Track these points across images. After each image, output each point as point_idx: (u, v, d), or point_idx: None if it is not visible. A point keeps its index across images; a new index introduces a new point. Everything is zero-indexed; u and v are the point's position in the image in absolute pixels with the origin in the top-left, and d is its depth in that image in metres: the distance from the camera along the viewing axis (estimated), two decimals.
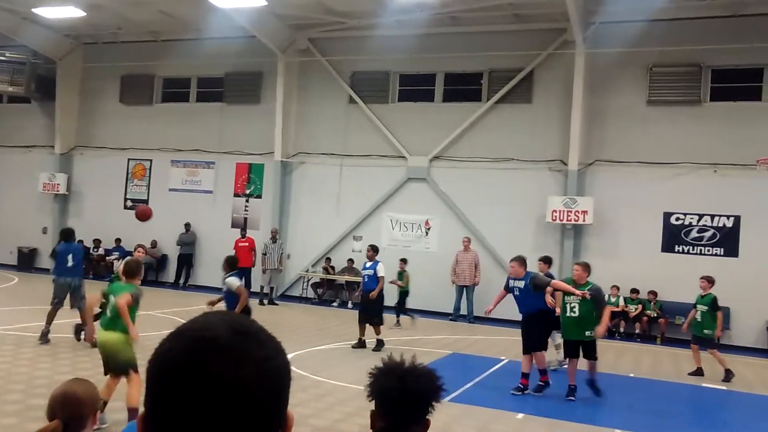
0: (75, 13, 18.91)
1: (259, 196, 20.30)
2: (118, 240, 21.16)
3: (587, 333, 9.46)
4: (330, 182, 19.40)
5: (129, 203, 21.84)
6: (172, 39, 20.92)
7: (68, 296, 10.93)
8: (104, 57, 22.16)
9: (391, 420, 2.37)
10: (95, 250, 21.53)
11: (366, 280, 12.64)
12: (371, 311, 12.36)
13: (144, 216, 11.06)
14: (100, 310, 8.45)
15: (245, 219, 20.30)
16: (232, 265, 9.58)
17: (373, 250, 12.90)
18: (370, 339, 12.24)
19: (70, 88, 22.56)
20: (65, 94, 22.49)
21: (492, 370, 11.51)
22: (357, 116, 19.26)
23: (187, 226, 20.62)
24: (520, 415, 8.75)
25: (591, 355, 9.57)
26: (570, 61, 16.83)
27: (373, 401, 2.42)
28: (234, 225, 20.18)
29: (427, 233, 18.46)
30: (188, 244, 20.56)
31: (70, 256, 10.90)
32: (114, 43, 21.88)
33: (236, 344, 0.97)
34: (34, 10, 19.07)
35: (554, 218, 16.60)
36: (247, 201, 20.44)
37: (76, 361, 9.83)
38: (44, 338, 10.69)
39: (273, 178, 19.88)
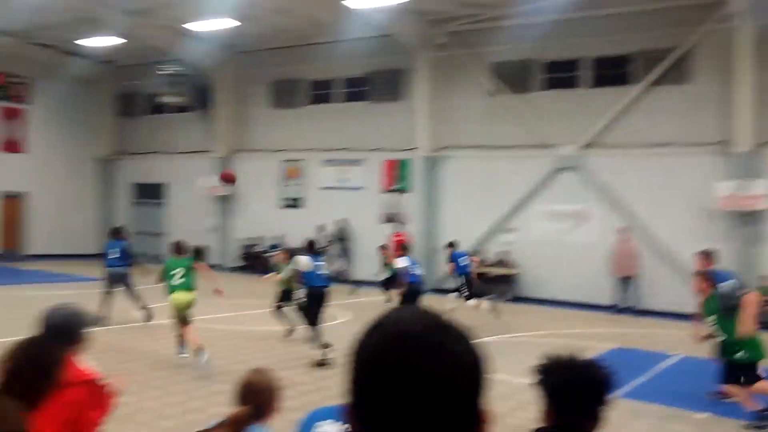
0: (228, 24, 19.96)
1: (408, 192, 20.57)
2: (277, 237, 22.23)
3: (737, 355, 7.76)
4: (477, 175, 19.25)
5: (286, 202, 22.90)
6: (316, 42, 21.44)
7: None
8: (255, 64, 23.17)
9: (566, 414, 2.28)
10: (257, 246, 22.72)
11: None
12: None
13: (228, 179, 12.01)
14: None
15: (395, 214, 20.64)
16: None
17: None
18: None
19: (225, 96, 23.83)
20: (221, 102, 23.80)
21: (663, 365, 10.99)
22: (500, 107, 18.95)
23: (340, 222, 21.31)
24: (702, 415, 8.29)
25: (749, 378, 7.72)
26: (730, 35, 15.62)
27: (544, 396, 2.33)
28: (384, 220, 20.57)
29: (581, 224, 17.90)
30: (342, 239, 21.18)
31: (113, 250, 12.67)
32: (263, 50, 22.87)
33: (434, 338, 0.99)
34: (190, 25, 20.31)
35: (723, 205, 15.52)
36: (396, 196, 20.75)
37: (254, 351, 10.43)
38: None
39: (420, 173, 20.03)
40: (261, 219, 22.83)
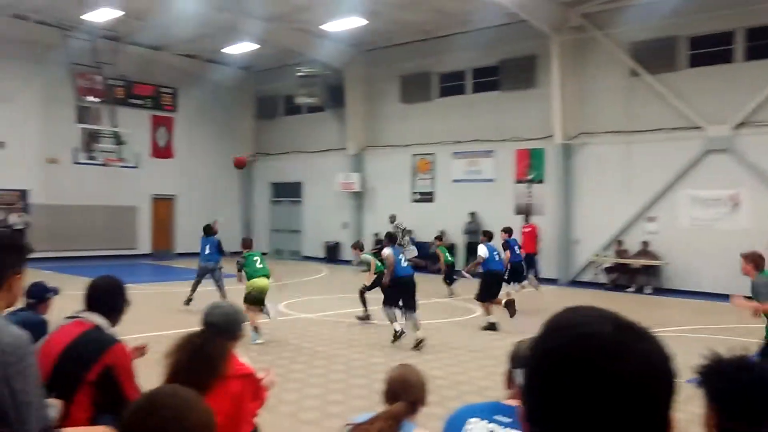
0: (357, 23, 20.27)
1: (541, 181, 20.01)
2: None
3: None
4: (616, 161, 18.35)
5: (417, 196, 23.02)
6: (444, 35, 21.31)
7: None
8: (384, 60, 23.36)
9: (734, 420, 2.01)
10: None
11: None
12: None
13: (240, 164, 13.31)
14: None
15: (529, 205, 20.16)
16: None
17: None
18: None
19: (356, 94, 24.21)
20: (353, 100, 24.22)
21: None
22: (641, 89, 17.94)
23: (472, 215, 21.08)
24: None
25: None
26: None
27: (708, 400, 2.08)
28: (518, 212, 20.14)
29: (735, 209, 16.62)
30: (473, 232, 20.98)
31: (207, 246, 13.86)
32: (391, 46, 23.00)
33: (621, 339, 0.96)
34: (322, 27, 20.85)
35: None
36: (529, 187, 20.28)
37: (386, 345, 10.47)
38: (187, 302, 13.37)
39: (554, 162, 19.41)
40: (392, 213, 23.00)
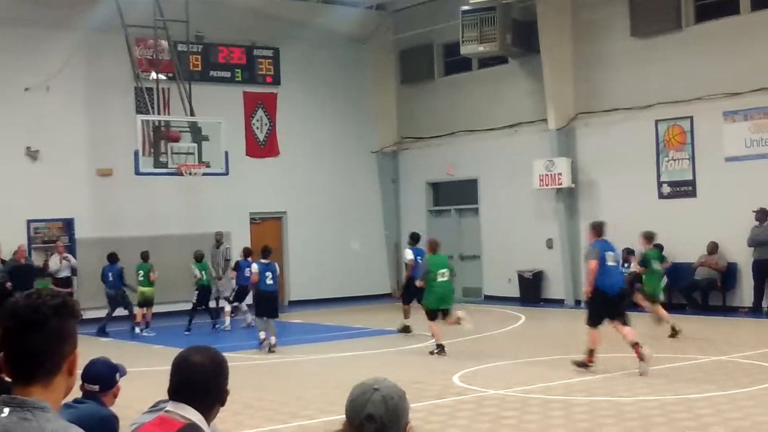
0: None
1: None
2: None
3: None
4: None
5: (666, 189, 22.28)
6: None
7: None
8: None
9: None
10: (625, 266, 22.09)
11: None
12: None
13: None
14: None
15: None
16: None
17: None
18: None
19: (558, 31, 23.94)
20: (553, 41, 23.91)
21: None
22: None
23: (762, 213, 20.16)
24: None
25: None
26: None
27: None
28: None
29: None
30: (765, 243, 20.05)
31: (110, 274, 21.71)
32: None
33: None
34: None
35: None
36: None
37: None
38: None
39: None
40: (626, 218, 22.27)
